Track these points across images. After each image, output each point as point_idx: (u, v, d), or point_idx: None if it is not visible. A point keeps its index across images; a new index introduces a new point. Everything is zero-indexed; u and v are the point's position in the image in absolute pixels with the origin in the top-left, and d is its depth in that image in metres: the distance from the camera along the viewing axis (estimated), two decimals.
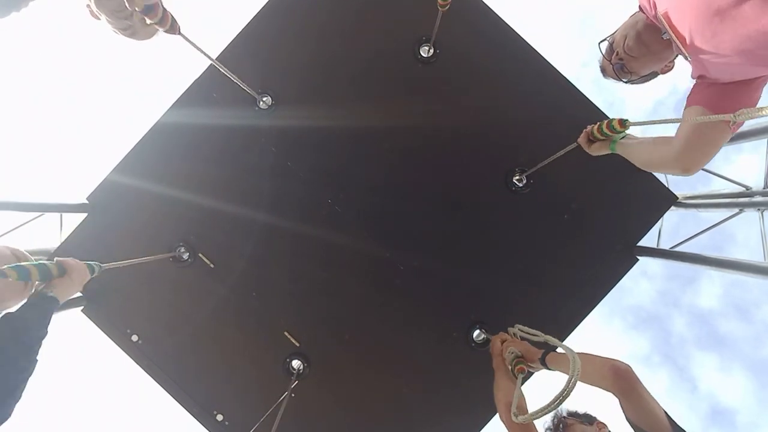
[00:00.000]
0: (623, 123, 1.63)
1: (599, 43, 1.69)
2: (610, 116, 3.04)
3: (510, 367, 1.79)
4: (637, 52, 1.52)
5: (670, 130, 1.51)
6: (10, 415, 1.14)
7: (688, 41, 1.23)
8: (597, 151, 1.80)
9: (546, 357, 1.68)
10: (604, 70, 1.72)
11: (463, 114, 3.05)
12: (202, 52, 2.28)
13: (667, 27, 1.28)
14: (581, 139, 1.84)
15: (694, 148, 1.36)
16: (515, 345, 1.88)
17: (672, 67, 1.60)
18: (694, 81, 1.42)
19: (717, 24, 1.12)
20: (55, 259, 1.44)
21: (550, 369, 1.66)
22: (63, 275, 1.42)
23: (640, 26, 1.49)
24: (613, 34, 1.64)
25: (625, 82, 1.67)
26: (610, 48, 1.63)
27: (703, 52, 1.20)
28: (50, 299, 1.33)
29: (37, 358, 1.23)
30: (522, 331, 1.93)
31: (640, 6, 1.48)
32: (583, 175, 3.02)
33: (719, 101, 1.29)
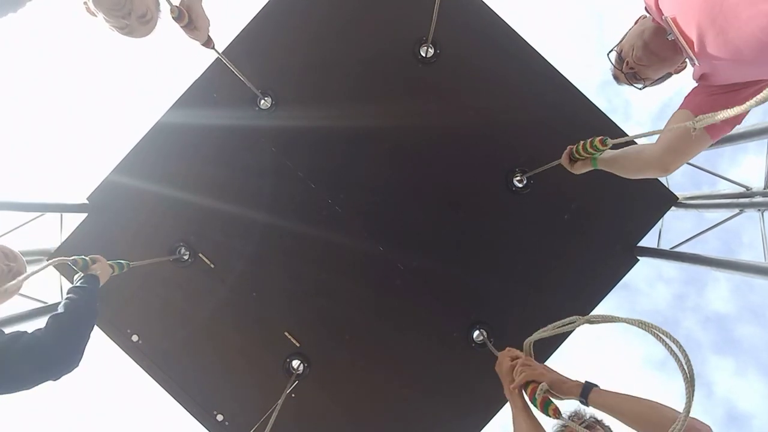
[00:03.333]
0: (604, 142, 1.70)
1: (608, 54, 1.69)
2: (612, 118, 3.05)
3: (535, 404, 1.35)
4: (647, 61, 1.53)
5: None
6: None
7: (695, 42, 1.23)
8: (579, 169, 1.90)
9: (590, 393, 1.29)
10: (617, 78, 1.73)
11: (464, 114, 3.04)
12: (218, 53, 2.29)
13: (675, 30, 1.27)
14: (563, 160, 1.94)
15: (673, 151, 1.47)
16: (541, 376, 1.40)
17: (685, 66, 1.59)
18: (695, 83, 1.42)
19: (722, 22, 1.11)
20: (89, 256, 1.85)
21: (587, 404, 1.30)
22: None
23: (647, 35, 1.49)
24: (621, 42, 1.63)
25: (640, 88, 1.68)
26: (620, 57, 1.63)
27: (709, 52, 1.20)
28: (95, 276, 1.78)
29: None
30: (546, 331, 1.47)
31: (645, 7, 1.47)
32: (584, 176, 3.00)
33: (708, 110, 1.30)
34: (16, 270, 1.66)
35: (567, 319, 1.37)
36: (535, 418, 1.36)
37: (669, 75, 1.63)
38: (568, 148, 1.91)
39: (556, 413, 1.27)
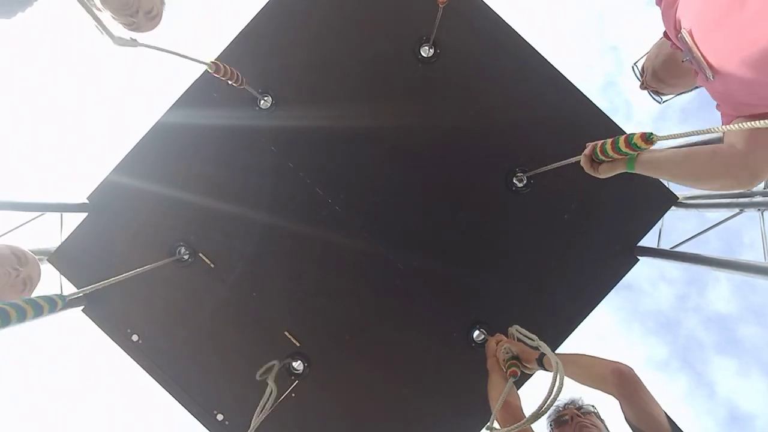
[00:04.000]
0: (648, 138, 1.25)
1: (633, 66, 1.72)
2: (612, 117, 3.04)
3: (503, 367, 1.83)
4: (656, 86, 1.57)
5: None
6: None
7: (712, 60, 1.15)
8: (606, 172, 1.55)
9: (543, 358, 1.67)
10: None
11: (464, 114, 3.05)
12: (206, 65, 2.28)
13: (692, 44, 1.18)
14: (584, 161, 1.61)
15: (764, 149, 1.12)
16: (512, 345, 1.90)
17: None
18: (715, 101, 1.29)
19: (746, 41, 1.04)
20: None
21: (547, 371, 1.65)
22: None
23: (657, 63, 1.52)
24: (646, 54, 1.66)
25: (660, 102, 1.70)
26: (642, 71, 1.67)
27: (729, 71, 1.12)
28: None
29: None
30: (519, 332, 1.96)
31: (664, 32, 1.39)
32: (584, 175, 3.00)
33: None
34: (26, 274, 1.60)
35: (534, 336, 1.79)
36: (506, 379, 1.79)
37: (696, 87, 1.60)
38: (589, 147, 1.55)
39: (513, 373, 1.73)
